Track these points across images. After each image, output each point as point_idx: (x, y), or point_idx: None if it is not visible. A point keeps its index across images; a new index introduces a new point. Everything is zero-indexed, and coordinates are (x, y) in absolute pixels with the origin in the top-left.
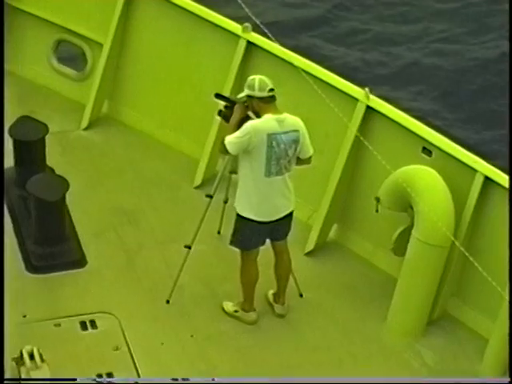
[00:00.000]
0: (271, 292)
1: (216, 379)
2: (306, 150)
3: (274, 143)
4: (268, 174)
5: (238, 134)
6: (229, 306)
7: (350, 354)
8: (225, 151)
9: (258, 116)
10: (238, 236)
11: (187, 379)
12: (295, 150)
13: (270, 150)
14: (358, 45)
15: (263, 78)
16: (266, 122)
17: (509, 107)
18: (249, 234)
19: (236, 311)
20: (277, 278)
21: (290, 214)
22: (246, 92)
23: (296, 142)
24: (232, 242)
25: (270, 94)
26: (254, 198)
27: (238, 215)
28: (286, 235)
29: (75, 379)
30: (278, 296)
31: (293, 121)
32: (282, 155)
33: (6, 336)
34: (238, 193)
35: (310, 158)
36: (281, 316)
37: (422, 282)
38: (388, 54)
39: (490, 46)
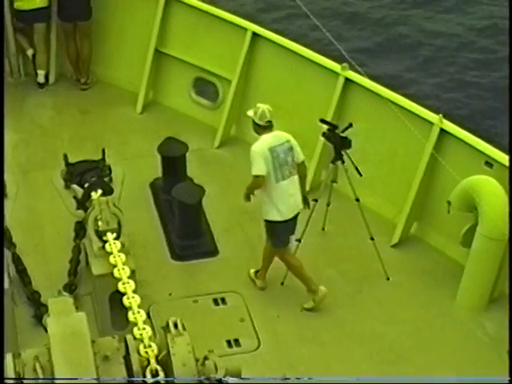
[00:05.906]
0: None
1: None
2: (298, 156)
3: (275, 154)
4: (276, 180)
5: (253, 165)
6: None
7: (427, 324)
8: (257, 185)
9: (258, 133)
10: (278, 238)
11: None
12: (292, 156)
13: (274, 160)
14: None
15: (266, 110)
16: (264, 140)
17: (509, 107)
18: (283, 232)
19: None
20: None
21: (298, 213)
22: (250, 113)
23: (291, 149)
24: (275, 245)
25: (266, 124)
26: (274, 203)
27: (268, 222)
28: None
29: (76, 379)
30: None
31: (284, 135)
32: (283, 162)
33: (7, 337)
34: (264, 204)
35: (304, 162)
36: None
37: (484, 268)
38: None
39: None
